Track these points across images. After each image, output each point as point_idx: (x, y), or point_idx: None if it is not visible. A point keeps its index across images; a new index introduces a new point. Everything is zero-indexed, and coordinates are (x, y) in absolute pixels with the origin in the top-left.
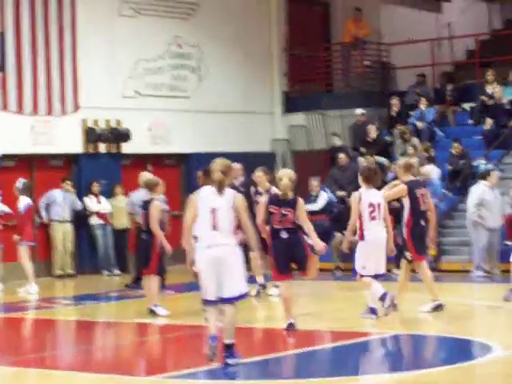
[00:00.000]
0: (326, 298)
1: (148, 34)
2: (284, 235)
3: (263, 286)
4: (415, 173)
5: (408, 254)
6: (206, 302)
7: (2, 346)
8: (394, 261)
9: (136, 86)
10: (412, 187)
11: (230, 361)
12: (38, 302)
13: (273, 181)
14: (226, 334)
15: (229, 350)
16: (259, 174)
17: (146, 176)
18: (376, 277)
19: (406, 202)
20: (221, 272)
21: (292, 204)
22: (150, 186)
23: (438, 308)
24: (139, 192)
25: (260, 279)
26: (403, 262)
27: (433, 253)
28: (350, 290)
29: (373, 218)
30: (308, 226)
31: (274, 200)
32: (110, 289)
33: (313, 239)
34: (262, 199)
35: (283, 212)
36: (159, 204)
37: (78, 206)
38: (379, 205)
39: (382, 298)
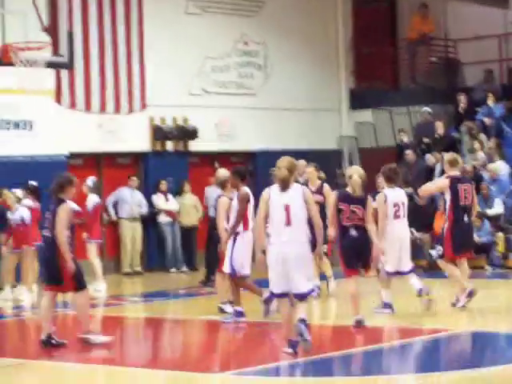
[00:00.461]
0: (393, 294)
1: (214, 31)
2: (353, 232)
3: (318, 287)
4: (459, 168)
5: (439, 248)
6: (274, 295)
7: (72, 343)
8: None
9: (203, 84)
10: (454, 182)
11: (302, 326)
12: (107, 300)
13: (324, 178)
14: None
15: (303, 322)
16: (310, 170)
17: (219, 173)
18: (399, 273)
19: (448, 197)
20: (291, 267)
21: (362, 201)
22: (220, 183)
23: (471, 294)
24: (213, 188)
25: (316, 280)
26: (460, 261)
27: (500, 250)
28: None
29: (397, 217)
30: (371, 227)
31: (344, 197)
32: (178, 286)
33: (373, 241)
34: (332, 196)
35: (352, 209)
36: (226, 200)
37: (144, 206)
38: (403, 204)
39: (386, 306)
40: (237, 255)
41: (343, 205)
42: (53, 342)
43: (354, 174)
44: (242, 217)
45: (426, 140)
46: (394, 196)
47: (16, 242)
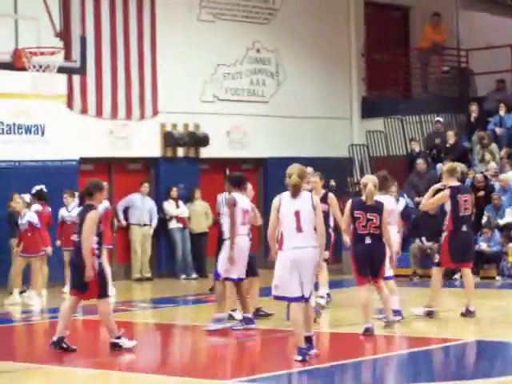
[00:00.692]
0: (403, 303)
1: (227, 38)
2: (368, 241)
3: (328, 295)
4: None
5: (437, 257)
6: (277, 298)
7: (82, 348)
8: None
9: (214, 91)
10: (454, 192)
11: (311, 352)
12: (116, 305)
13: (334, 186)
14: (308, 327)
15: (310, 341)
16: (315, 179)
17: None
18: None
19: (448, 207)
20: (303, 272)
21: (378, 209)
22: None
23: (430, 314)
24: (225, 194)
25: (325, 288)
26: (464, 272)
27: (511, 260)
28: (427, 295)
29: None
30: (387, 235)
31: (359, 205)
32: (187, 292)
33: (389, 248)
34: (347, 205)
35: (368, 217)
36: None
37: (154, 213)
38: (392, 210)
39: (395, 313)
40: (223, 259)
41: (359, 213)
42: (63, 345)
43: (369, 182)
44: (233, 222)
45: (437, 141)
46: (385, 203)
47: (24, 247)
